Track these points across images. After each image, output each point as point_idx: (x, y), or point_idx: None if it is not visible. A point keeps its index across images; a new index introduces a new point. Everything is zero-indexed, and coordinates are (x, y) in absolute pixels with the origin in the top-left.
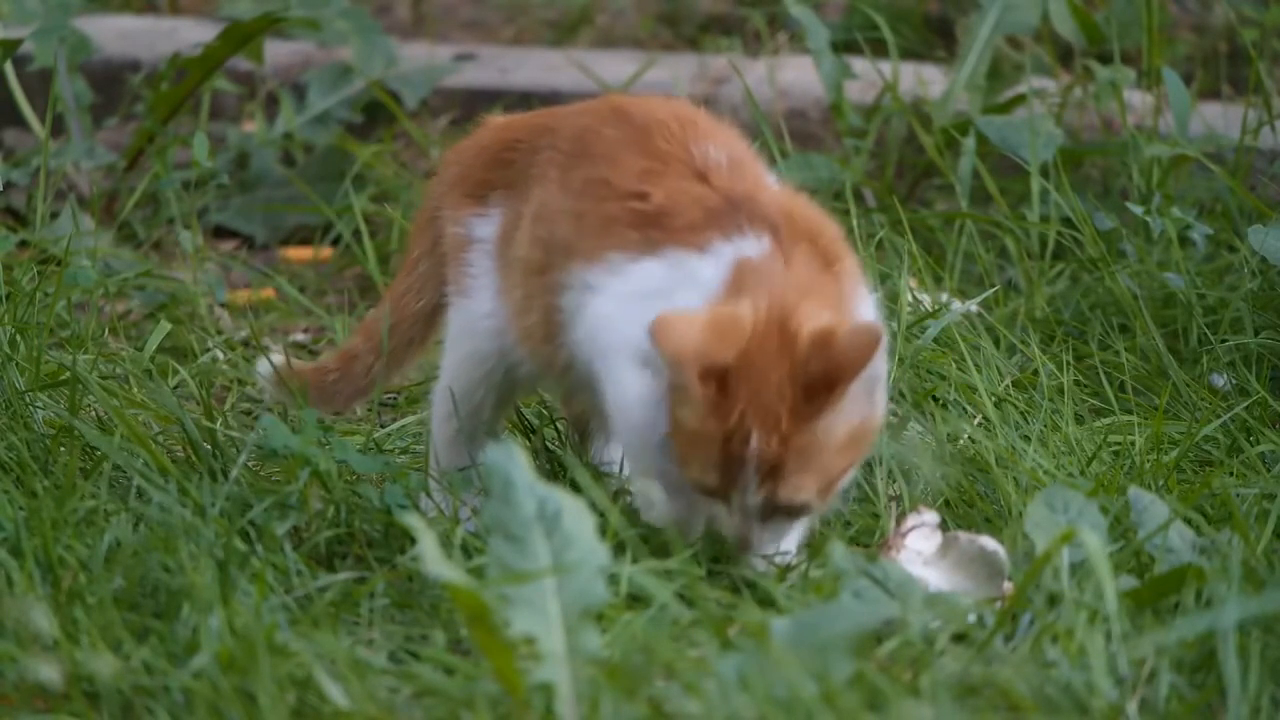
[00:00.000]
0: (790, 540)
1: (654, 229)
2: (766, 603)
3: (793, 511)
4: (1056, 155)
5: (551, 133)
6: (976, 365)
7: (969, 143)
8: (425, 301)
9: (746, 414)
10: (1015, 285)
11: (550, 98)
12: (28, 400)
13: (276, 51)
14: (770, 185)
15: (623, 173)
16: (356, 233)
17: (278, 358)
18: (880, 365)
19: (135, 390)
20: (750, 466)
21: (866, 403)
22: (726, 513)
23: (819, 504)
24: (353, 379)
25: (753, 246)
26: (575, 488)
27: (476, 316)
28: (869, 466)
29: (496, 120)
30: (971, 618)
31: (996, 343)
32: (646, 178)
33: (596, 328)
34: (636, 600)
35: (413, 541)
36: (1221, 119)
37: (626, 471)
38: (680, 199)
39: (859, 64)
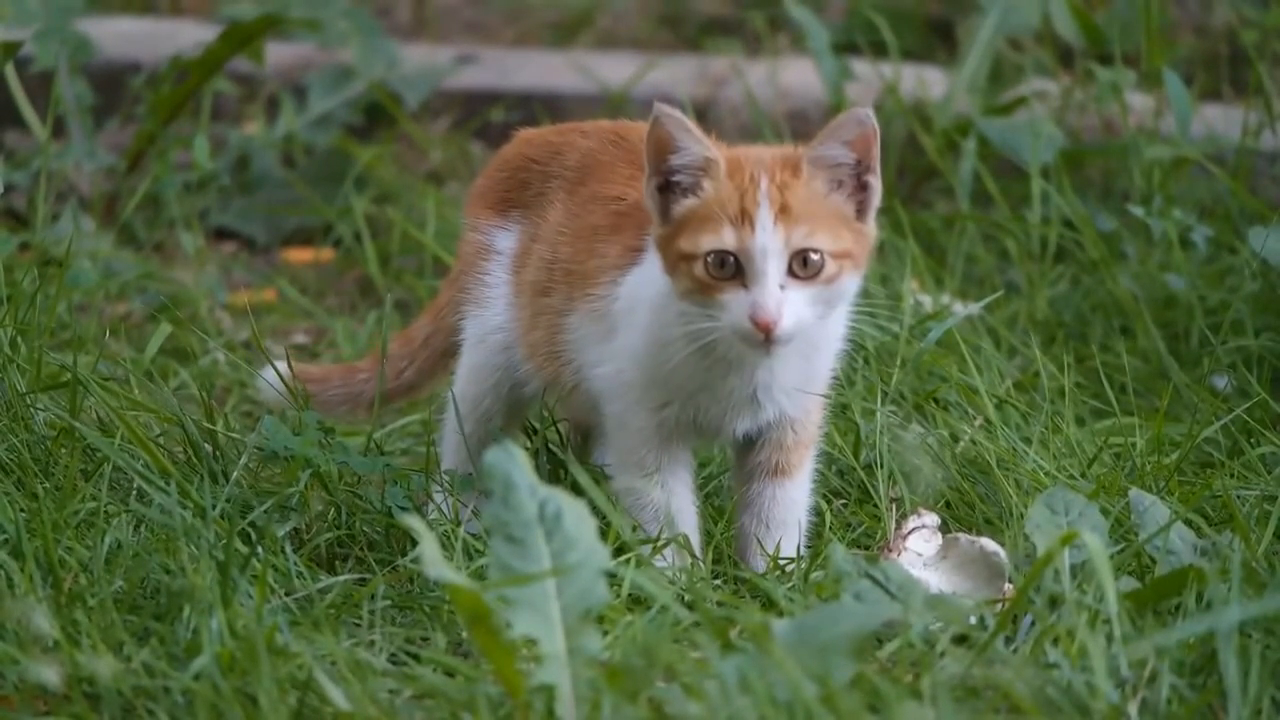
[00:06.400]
0: (790, 543)
1: (626, 220)
2: (768, 604)
3: (810, 268)
4: (1057, 157)
5: (560, 157)
6: (978, 367)
7: (970, 144)
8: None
9: (754, 171)
10: (1016, 287)
11: (551, 99)
12: (29, 402)
13: (277, 53)
14: None
15: (611, 183)
16: (357, 234)
17: (283, 365)
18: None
19: (136, 392)
20: (765, 207)
21: (842, 197)
22: (744, 293)
23: (833, 268)
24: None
25: None
26: (576, 490)
27: (488, 329)
28: (870, 469)
29: (525, 134)
30: (972, 619)
31: (997, 344)
32: (629, 183)
33: (603, 395)
34: (637, 602)
35: (414, 543)
36: (1222, 120)
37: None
38: None
39: (860, 65)
